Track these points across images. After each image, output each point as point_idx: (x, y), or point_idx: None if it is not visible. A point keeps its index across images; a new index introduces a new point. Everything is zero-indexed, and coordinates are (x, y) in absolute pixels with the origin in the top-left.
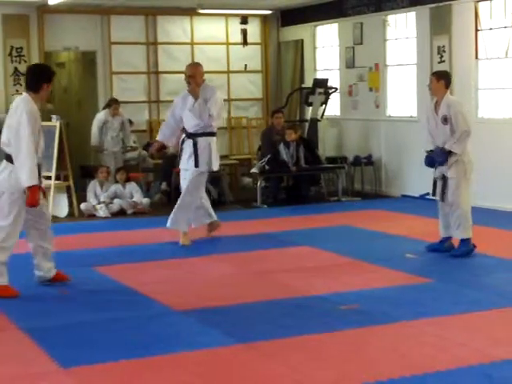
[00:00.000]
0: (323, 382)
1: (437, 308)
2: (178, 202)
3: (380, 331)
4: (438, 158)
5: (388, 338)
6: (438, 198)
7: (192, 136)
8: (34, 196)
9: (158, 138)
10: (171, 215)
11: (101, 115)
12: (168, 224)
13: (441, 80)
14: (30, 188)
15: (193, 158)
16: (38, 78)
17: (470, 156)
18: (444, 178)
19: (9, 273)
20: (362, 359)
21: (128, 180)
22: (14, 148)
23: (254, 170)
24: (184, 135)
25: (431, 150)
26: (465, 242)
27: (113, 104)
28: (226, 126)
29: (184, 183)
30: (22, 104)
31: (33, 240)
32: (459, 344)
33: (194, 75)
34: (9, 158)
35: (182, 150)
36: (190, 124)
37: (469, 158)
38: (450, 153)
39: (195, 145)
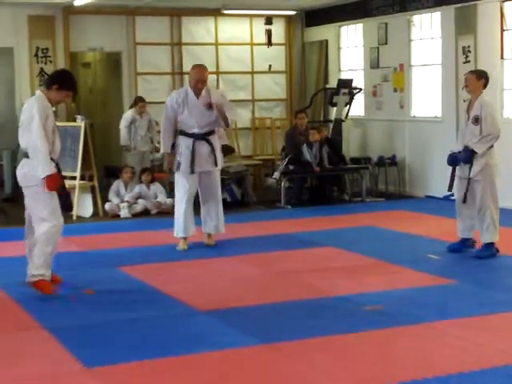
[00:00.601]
0: (347, 383)
1: (460, 309)
2: (219, 209)
3: (403, 332)
4: (460, 156)
5: (411, 339)
6: (457, 197)
7: (204, 136)
8: (51, 183)
9: (164, 150)
10: (219, 222)
11: (128, 114)
12: (221, 231)
13: (481, 79)
14: (45, 178)
15: (212, 158)
16: (51, 78)
17: (497, 159)
18: (468, 180)
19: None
20: (386, 360)
21: (152, 181)
22: (27, 142)
23: (276, 174)
24: (191, 138)
25: (454, 153)
26: (489, 245)
27: (139, 102)
28: (249, 126)
29: (190, 189)
30: (34, 100)
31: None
32: (483, 345)
33: (206, 80)
34: (27, 154)
35: (193, 152)
36: (202, 124)
37: (495, 161)
38: (473, 152)
39: (211, 144)
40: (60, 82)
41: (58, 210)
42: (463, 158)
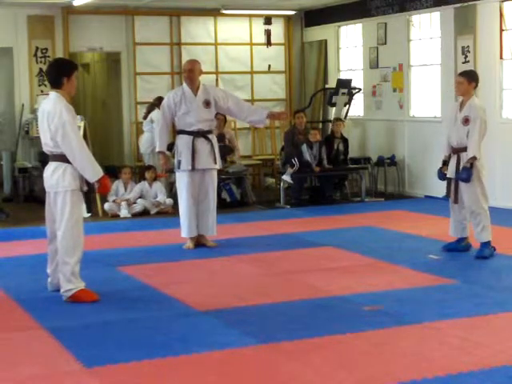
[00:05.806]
0: (346, 383)
1: (460, 309)
2: (211, 208)
3: (403, 332)
4: (461, 176)
5: (411, 339)
6: (451, 200)
7: (204, 134)
8: (105, 185)
9: (160, 148)
10: (211, 223)
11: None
12: (213, 232)
13: (472, 82)
14: (98, 180)
15: (212, 156)
16: (56, 74)
17: (483, 159)
18: (456, 181)
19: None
20: (385, 360)
21: (155, 179)
22: (65, 147)
23: (287, 177)
24: (190, 136)
25: (444, 162)
26: (487, 244)
27: None
28: (249, 126)
29: (192, 188)
30: (58, 102)
31: (55, 247)
32: (483, 346)
33: (194, 69)
34: (58, 158)
35: (193, 149)
36: (200, 121)
37: (481, 161)
38: (471, 166)
39: (211, 142)
40: (66, 72)
41: (82, 218)
42: (465, 177)
